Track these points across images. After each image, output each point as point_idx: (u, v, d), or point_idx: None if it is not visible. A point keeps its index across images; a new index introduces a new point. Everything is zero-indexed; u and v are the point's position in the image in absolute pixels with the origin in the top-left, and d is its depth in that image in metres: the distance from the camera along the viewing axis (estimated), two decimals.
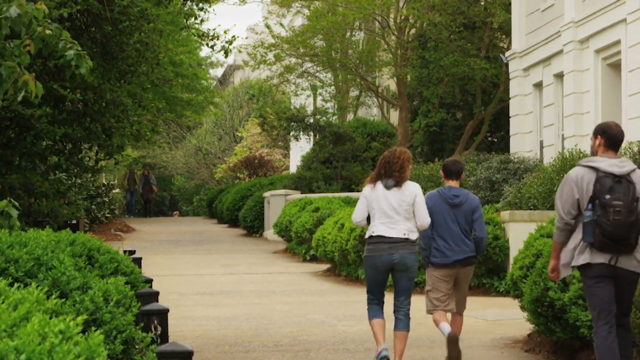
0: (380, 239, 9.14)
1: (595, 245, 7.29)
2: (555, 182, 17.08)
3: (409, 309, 9.28)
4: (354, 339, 11.34)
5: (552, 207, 16.68)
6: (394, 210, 9.13)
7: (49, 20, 7.21)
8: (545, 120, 23.70)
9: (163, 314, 7.61)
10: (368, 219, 9.31)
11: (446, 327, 9.39)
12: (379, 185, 9.23)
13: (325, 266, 20.41)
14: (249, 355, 10.34)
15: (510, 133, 25.73)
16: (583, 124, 21.15)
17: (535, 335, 10.53)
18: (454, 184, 9.89)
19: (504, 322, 12.55)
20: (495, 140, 30.75)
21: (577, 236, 7.43)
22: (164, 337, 7.45)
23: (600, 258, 7.32)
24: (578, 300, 8.82)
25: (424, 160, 28.75)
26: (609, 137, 7.57)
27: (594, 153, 7.63)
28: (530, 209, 17.02)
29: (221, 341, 11.24)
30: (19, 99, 6.85)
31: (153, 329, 7.38)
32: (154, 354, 6.19)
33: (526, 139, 24.74)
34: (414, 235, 9.21)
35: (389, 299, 9.50)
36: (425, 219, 9.19)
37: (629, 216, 7.23)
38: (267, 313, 13.88)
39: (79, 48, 7.28)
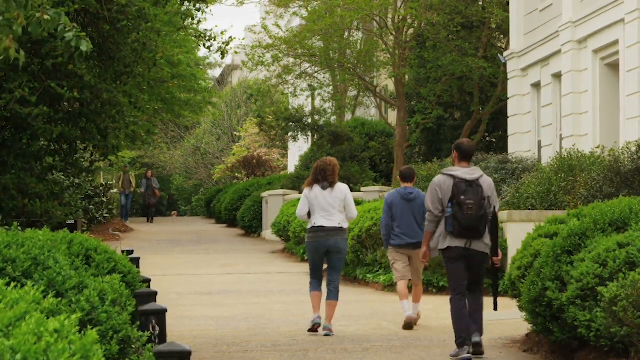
0: (320, 228, 11.70)
1: (454, 233, 9.67)
2: (554, 182, 17.08)
3: (339, 283, 11.88)
4: (352, 338, 11.32)
5: (550, 207, 16.69)
6: (330, 205, 11.71)
7: (47, 7, 7.13)
8: (544, 120, 23.70)
9: (161, 313, 7.60)
10: (308, 214, 11.88)
11: (405, 307, 12.09)
12: (316, 187, 11.80)
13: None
14: (247, 355, 10.32)
15: (509, 133, 25.73)
16: (581, 124, 21.14)
17: (534, 335, 10.51)
18: (408, 185, 12.67)
19: (502, 322, 12.53)
20: (494, 140, 30.74)
21: (441, 227, 9.80)
22: (162, 337, 7.44)
23: (458, 242, 9.69)
24: (576, 300, 8.81)
25: (422, 160, 28.74)
26: (462, 151, 9.96)
27: (452, 163, 10.12)
28: (529, 209, 17.01)
29: (219, 341, 11.22)
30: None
31: (151, 329, 7.37)
32: (151, 354, 6.18)
33: (524, 139, 24.73)
34: (345, 225, 11.82)
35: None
36: (353, 212, 11.88)
37: (478, 211, 9.63)
38: (265, 313, 13.87)
39: (79, 29, 7.21)
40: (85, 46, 7.18)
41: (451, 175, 9.80)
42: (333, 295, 11.76)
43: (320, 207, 11.71)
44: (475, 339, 9.62)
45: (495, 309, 10.12)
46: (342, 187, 11.85)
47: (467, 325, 9.64)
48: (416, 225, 12.36)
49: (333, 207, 11.69)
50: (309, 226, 11.87)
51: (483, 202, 9.64)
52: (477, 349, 9.63)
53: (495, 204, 9.82)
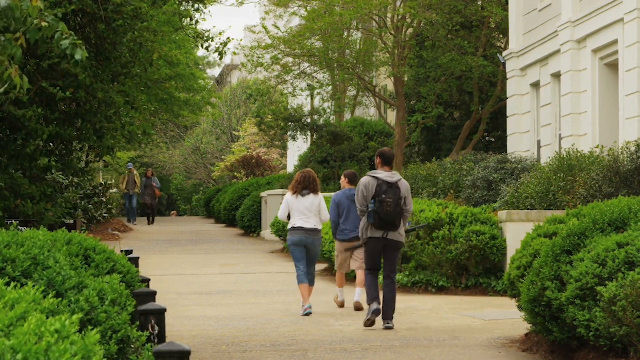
0: (300, 229, 13.91)
1: (375, 225, 11.93)
2: (553, 182, 17.09)
3: (315, 273, 14.25)
4: (351, 338, 11.32)
5: (549, 207, 16.69)
6: (308, 210, 13.94)
7: (46, 14, 7.12)
8: (543, 120, 23.70)
9: (160, 313, 7.60)
10: (288, 216, 14.08)
11: (339, 294, 14.41)
12: (298, 194, 13.94)
13: (322, 266, 20.41)
14: (247, 355, 10.32)
15: (508, 133, 25.73)
16: (580, 123, 21.15)
17: (533, 335, 10.51)
18: (353, 187, 14.26)
19: (501, 322, 12.54)
20: (493, 140, 30.73)
21: (365, 220, 12.04)
22: (161, 336, 7.43)
23: (377, 233, 12.00)
24: (576, 300, 8.81)
25: (422, 160, 28.73)
26: (385, 158, 12.21)
27: (376, 167, 12.27)
28: (528, 209, 17.01)
29: (219, 341, 11.22)
30: (2, 90, 6.77)
31: (150, 329, 7.36)
32: (150, 354, 6.18)
33: (524, 138, 24.73)
34: (319, 227, 14.05)
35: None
36: (325, 216, 14.12)
37: (395, 208, 11.86)
38: (264, 313, 13.87)
39: (75, 38, 7.20)
40: (80, 55, 7.20)
41: (376, 177, 12.02)
42: (311, 283, 14.08)
43: (299, 211, 13.94)
44: (388, 325, 11.92)
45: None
46: (319, 196, 14.08)
47: (376, 291, 12.09)
48: (358, 222, 13.84)
49: (310, 211, 13.94)
50: (289, 227, 14.05)
51: (400, 201, 11.88)
52: (390, 329, 11.83)
53: (410, 205, 12.05)
